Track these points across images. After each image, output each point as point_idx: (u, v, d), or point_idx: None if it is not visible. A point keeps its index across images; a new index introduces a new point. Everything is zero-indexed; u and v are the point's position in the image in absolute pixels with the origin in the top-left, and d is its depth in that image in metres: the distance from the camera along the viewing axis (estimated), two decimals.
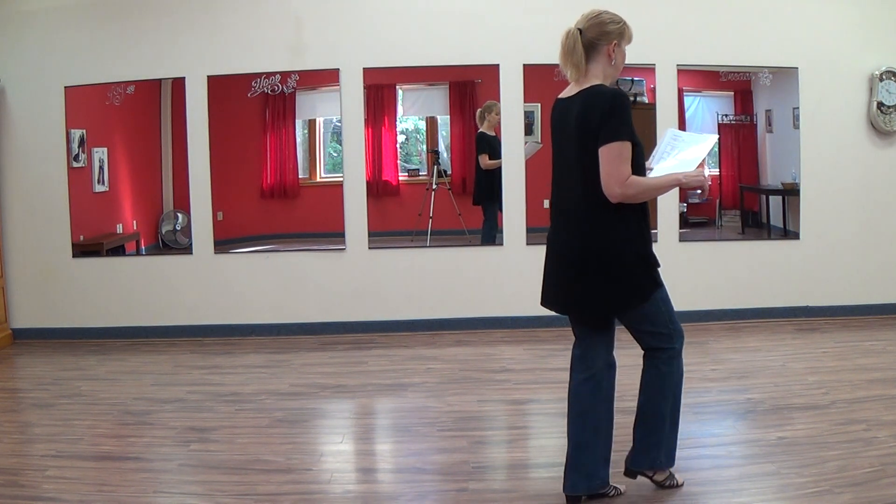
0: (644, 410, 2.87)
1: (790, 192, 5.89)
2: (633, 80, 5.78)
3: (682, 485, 2.98)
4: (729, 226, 6.29)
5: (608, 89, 2.65)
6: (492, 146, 5.84)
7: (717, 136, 2.93)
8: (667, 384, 2.82)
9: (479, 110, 5.90)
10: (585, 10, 2.82)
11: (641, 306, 2.74)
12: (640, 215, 2.71)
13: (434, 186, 6.08)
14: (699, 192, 2.76)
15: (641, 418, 2.88)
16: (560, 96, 2.81)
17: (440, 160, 6.21)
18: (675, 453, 2.93)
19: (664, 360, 2.82)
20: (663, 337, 2.80)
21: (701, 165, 2.87)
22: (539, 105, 5.89)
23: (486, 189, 5.87)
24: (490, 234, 5.87)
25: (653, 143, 3.13)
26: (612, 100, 2.59)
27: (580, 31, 2.71)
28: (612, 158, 2.56)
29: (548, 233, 2.86)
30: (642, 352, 2.89)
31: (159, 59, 5.62)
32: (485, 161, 5.87)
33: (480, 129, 5.92)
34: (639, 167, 2.67)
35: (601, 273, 2.68)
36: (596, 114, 2.58)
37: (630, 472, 2.95)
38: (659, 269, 2.77)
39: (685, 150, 2.88)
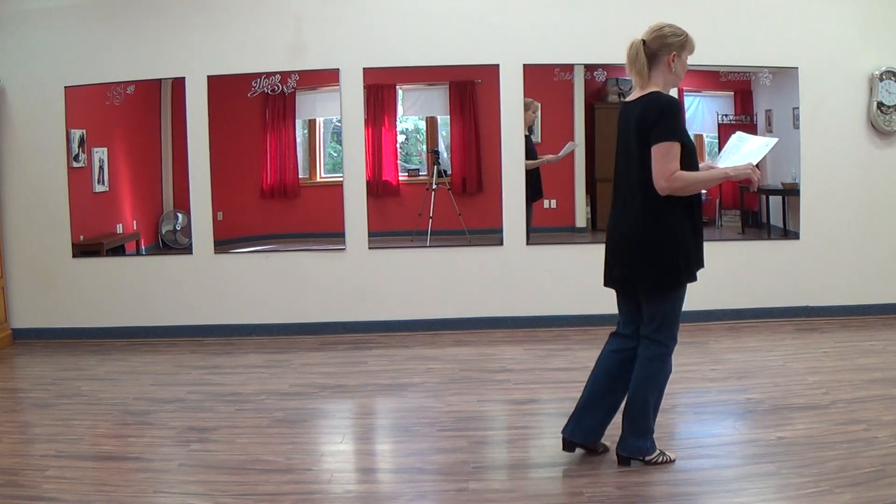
0: (633, 403, 3.10)
1: (790, 192, 5.89)
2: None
3: (674, 460, 3.19)
4: (729, 226, 6.29)
5: (663, 96, 2.95)
6: (528, 146, 5.78)
7: (777, 139, 3.23)
8: (656, 380, 3.09)
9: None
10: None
11: (661, 294, 3.01)
12: (687, 210, 2.98)
13: (434, 186, 6.08)
14: (749, 185, 3.09)
15: (631, 411, 3.12)
16: (625, 100, 3.15)
17: (440, 160, 6.21)
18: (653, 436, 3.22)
19: (657, 356, 3.07)
20: (663, 332, 3.06)
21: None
22: (539, 105, 5.89)
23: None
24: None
25: None
26: (664, 105, 2.91)
27: (644, 42, 3.00)
28: (661, 156, 2.88)
29: (608, 219, 3.18)
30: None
31: (159, 59, 5.62)
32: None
33: None
34: (689, 164, 2.95)
35: (642, 254, 2.98)
36: (650, 117, 2.90)
37: (622, 460, 3.16)
38: (695, 272, 3.03)
39: (744, 151, 3.13)
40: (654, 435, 3.18)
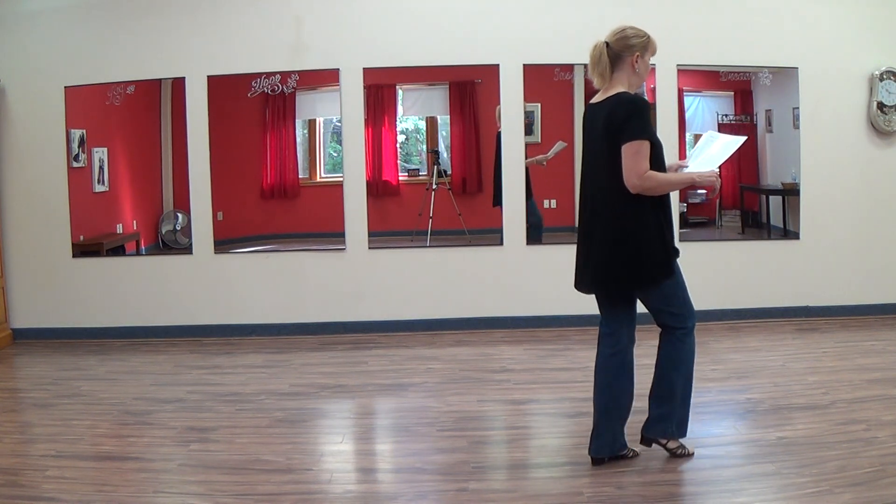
0: (658, 383, 3.17)
1: (790, 192, 5.89)
2: None
3: (692, 454, 3.22)
4: (729, 226, 6.29)
5: (630, 95, 2.99)
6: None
7: (745, 138, 3.23)
8: (679, 359, 3.13)
9: (498, 108, 5.73)
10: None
11: (658, 287, 3.04)
12: (658, 207, 3.01)
13: (434, 186, 6.08)
14: (704, 191, 3.09)
15: (656, 391, 3.18)
16: (591, 102, 3.13)
17: (440, 160, 6.21)
18: (687, 426, 3.23)
19: (678, 338, 3.12)
20: (677, 317, 3.12)
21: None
22: (539, 105, 5.89)
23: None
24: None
25: None
26: (633, 104, 2.94)
27: (607, 44, 3.02)
28: (632, 154, 2.90)
29: (578, 222, 3.21)
30: (657, 339, 3.20)
31: (159, 59, 5.62)
32: None
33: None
34: (659, 164, 2.99)
35: (621, 255, 3.00)
36: (619, 117, 2.92)
37: (645, 440, 3.23)
38: (677, 258, 3.07)
39: (712, 148, 3.19)
40: (685, 424, 3.21)
